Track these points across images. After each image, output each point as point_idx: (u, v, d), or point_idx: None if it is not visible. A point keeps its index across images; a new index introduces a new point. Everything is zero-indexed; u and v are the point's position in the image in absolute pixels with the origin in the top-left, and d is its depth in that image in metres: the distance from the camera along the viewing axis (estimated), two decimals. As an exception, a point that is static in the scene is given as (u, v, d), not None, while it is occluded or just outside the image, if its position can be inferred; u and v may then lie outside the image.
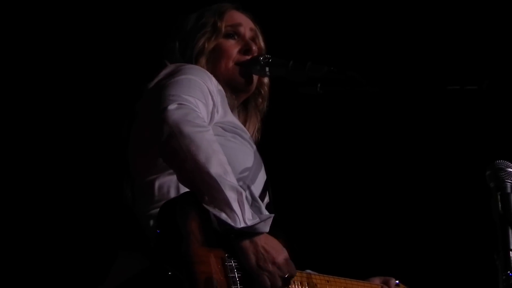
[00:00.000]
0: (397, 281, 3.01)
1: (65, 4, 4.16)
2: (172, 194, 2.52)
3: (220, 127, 2.65)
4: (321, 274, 2.69)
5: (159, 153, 2.46)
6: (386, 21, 4.46)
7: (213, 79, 2.68)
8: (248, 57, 2.86)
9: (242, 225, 2.33)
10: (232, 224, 2.32)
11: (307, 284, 2.58)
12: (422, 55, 4.39)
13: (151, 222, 2.48)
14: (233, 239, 2.34)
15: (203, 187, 2.33)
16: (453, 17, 4.40)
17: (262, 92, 2.96)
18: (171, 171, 2.51)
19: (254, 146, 2.76)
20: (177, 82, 2.53)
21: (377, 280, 2.93)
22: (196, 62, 2.80)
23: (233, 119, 2.76)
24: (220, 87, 2.72)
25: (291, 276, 2.40)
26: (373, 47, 4.43)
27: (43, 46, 4.18)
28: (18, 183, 4.13)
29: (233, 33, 2.89)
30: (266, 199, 2.72)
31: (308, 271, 2.66)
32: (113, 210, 2.88)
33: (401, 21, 4.45)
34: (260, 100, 2.97)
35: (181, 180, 2.43)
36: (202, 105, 2.51)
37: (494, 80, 2.44)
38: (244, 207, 2.36)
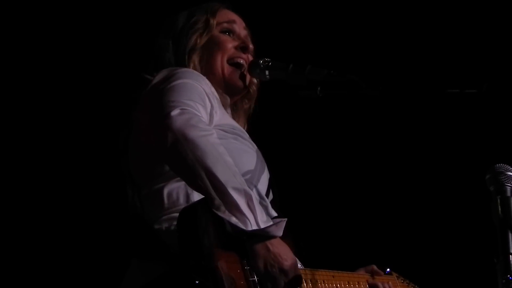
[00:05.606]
0: (388, 269, 3.00)
1: (65, 5, 4.16)
2: (182, 200, 2.51)
3: (220, 129, 2.64)
4: (325, 270, 2.69)
5: (164, 159, 2.46)
6: (386, 24, 4.47)
7: (206, 81, 2.67)
8: (243, 55, 2.85)
9: (254, 227, 2.33)
10: (243, 227, 2.32)
11: (312, 280, 2.57)
12: (422, 58, 4.39)
13: (165, 229, 2.46)
14: (245, 241, 2.34)
15: (212, 192, 2.33)
16: (453, 20, 4.41)
17: (251, 91, 2.93)
18: (178, 178, 2.50)
19: (255, 145, 2.76)
20: (175, 87, 2.52)
21: (362, 271, 2.92)
22: (189, 59, 2.78)
23: (230, 120, 2.76)
24: (213, 89, 2.70)
25: (296, 285, 2.39)
26: (373, 50, 4.43)
27: (44, 51, 4.19)
28: (25, 192, 4.15)
29: (228, 30, 2.87)
30: (271, 196, 2.72)
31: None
32: (123, 219, 2.86)
33: (401, 24, 4.45)
34: (247, 100, 2.95)
35: (190, 185, 2.42)
36: (202, 108, 2.51)
37: (493, 83, 2.44)
38: (256, 209, 2.35)
